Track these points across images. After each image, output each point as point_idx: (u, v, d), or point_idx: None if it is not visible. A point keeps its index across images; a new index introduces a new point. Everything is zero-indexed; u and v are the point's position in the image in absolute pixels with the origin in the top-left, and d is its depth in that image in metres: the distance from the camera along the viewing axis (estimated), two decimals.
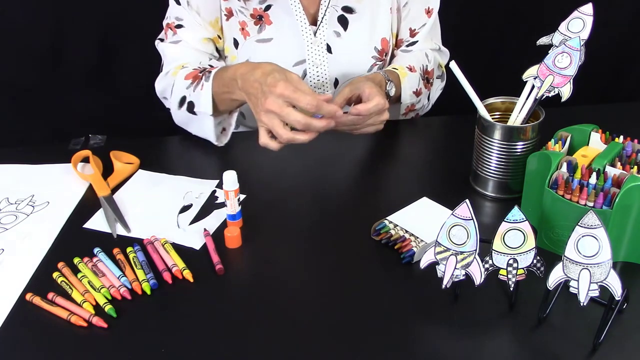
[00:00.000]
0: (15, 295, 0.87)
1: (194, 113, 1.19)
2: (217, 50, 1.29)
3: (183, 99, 1.20)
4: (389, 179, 1.14)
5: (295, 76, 1.02)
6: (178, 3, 1.23)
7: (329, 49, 1.27)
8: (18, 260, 0.94)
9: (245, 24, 1.24)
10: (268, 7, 1.23)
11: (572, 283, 0.75)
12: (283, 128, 0.99)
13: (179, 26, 1.24)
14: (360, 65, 1.29)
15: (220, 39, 1.27)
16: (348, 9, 1.26)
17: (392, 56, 1.37)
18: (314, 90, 1.29)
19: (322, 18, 1.25)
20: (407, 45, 1.35)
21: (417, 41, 1.34)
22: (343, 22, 1.26)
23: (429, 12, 1.32)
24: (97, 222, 1.01)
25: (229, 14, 1.24)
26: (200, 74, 1.18)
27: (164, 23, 1.28)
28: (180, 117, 1.23)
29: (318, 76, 1.28)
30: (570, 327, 0.81)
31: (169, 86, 1.23)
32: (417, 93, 1.29)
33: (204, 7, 1.23)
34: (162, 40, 1.28)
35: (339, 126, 1.08)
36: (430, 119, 1.40)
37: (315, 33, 1.25)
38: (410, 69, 1.28)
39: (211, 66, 1.25)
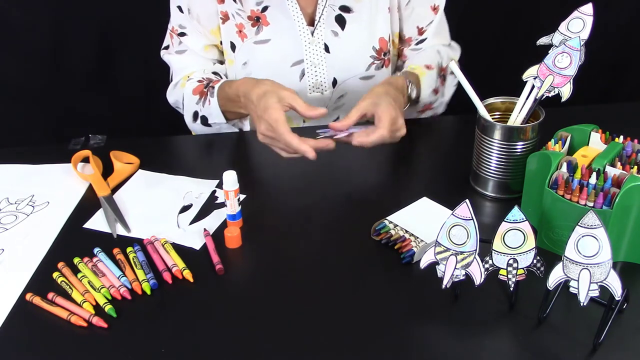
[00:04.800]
0: (15, 295, 0.87)
1: (209, 125, 1.25)
2: (223, 54, 1.30)
3: (196, 114, 1.25)
4: (389, 179, 1.14)
5: (288, 94, 1.04)
6: (181, 11, 1.25)
7: (326, 49, 1.27)
8: (18, 260, 0.94)
9: (242, 26, 1.24)
10: (265, 9, 1.24)
11: (572, 283, 0.75)
12: (281, 150, 1.05)
13: (182, 34, 1.26)
14: (359, 65, 1.29)
15: (222, 44, 1.28)
16: (345, 9, 1.26)
17: (399, 56, 1.37)
18: (312, 90, 1.29)
19: (320, 18, 1.25)
20: (417, 44, 1.34)
21: (425, 38, 1.33)
22: (340, 21, 1.26)
23: (435, 9, 1.31)
24: (97, 222, 1.01)
25: (225, 17, 1.24)
26: (205, 90, 1.23)
27: (168, 28, 1.29)
28: (197, 128, 1.28)
29: (316, 76, 1.28)
30: (570, 327, 0.81)
31: (181, 98, 1.29)
32: (436, 91, 1.28)
33: (204, 15, 1.24)
34: (167, 47, 1.31)
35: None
36: (430, 119, 1.40)
37: (312, 33, 1.25)
38: (428, 67, 1.26)
39: (215, 73, 1.28)
